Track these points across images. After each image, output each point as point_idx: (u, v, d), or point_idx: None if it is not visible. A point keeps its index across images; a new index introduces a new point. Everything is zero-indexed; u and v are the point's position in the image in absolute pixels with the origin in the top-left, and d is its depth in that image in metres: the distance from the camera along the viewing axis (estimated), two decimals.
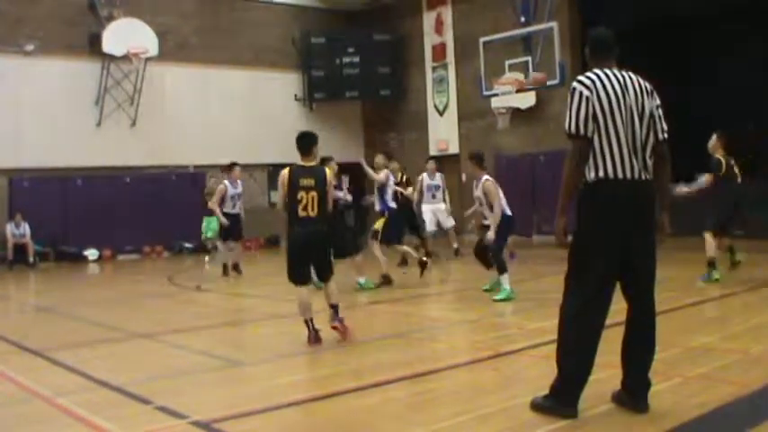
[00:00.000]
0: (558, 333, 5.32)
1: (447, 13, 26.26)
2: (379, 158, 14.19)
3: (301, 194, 8.48)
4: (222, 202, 16.23)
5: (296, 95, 27.77)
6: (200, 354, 8.51)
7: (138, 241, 23.95)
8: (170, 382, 7.16)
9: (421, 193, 17.25)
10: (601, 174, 5.17)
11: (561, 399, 5.27)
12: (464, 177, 24.78)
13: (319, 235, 8.61)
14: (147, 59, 23.46)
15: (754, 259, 14.01)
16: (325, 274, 8.77)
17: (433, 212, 17.27)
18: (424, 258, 13.71)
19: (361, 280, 13.03)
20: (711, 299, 10.51)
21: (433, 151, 26.79)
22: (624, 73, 5.34)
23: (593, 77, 5.24)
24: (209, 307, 12.40)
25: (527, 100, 22.82)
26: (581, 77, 5.29)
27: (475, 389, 6.46)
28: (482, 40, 23.80)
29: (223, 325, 10.86)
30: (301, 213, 8.49)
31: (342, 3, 28.45)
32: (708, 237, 11.70)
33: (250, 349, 8.91)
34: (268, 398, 6.28)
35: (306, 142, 8.74)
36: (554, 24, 22.02)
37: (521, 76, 22.85)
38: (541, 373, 5.93)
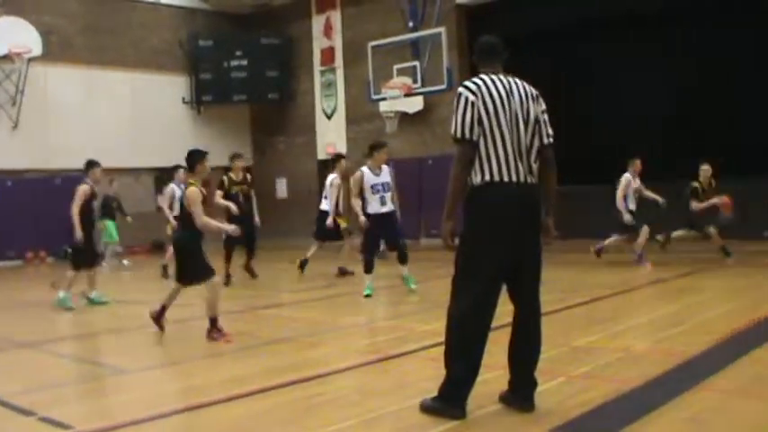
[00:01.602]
0: (445, 335, 5.37)
1: (336, 18, 26.29)
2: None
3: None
4: (171, 205, 15.90)
5: (183, 98, 27.37)
6: (84, 362, 8.33)
7: (21, 247, 23.24)
8: (53, 393, 6.98)
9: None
10: (486, 177, 5.23)
11: (449, 400, 5.32)
12: (352, 181, 24.85)
13: (174, 239, 9.31)
14: (30, 59, 22.74)
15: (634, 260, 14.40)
16: (184, 280, 9.14)
17: None
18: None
19: (92, 295, 12.70)
20: (595, 299, 10.74)
21: (321, 155, 26.81)
22: (510, 78, 5.42)
23: (479, 82, 5.31)
24: (92, 314, 12.10)
25: (415, 104, 23.02)
26: (467, 82, 5.35)
27: (364, 392, 6.46)
28: (371, 44, 23.90)
29: (107, 332, 10.62)
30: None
31: (230, 6, 28.18)
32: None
33: (134, 357, 8.68)
34: (153, 406, 6.16)
35: (187, 161, 9.27)
36: (442, 30, 22.26)
37: (409, 81, 23.04)
38: (430, 375, 5.97)
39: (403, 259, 12.06)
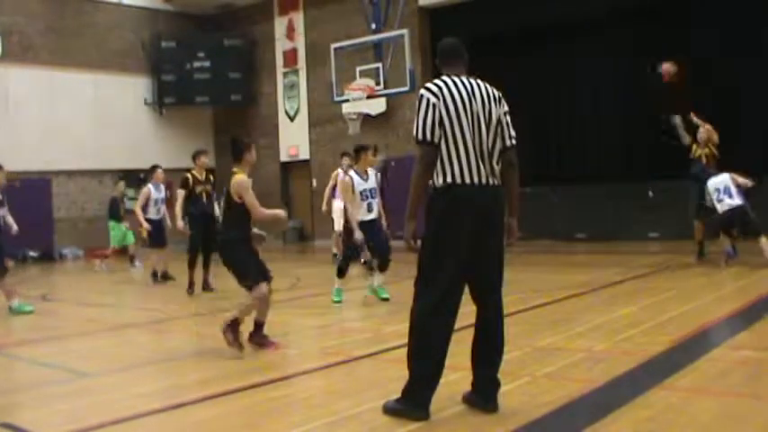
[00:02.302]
0: (408, 336, 5.37)
1: (298, 19, 26.28)
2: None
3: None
4: (146, 206, 15.62)
5: (146, 100, 27.21)
6: (45, 366, 8.22)
7: None
8: (13, 398, 6.90)
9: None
10: (448, 179, 5.24)
11: (413, 401, 5.32)
12: (315, 183, 24.88)
13: (220, 242, 8.45)
14: None
15: (596, 261, 14.52)
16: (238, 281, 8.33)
17: None
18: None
19: (13, 304, 12.20)
20: (557, 300, 10.80)
21: (283, 157, 26.79)
22: (472, 80, 5.43)
23: (441, 84, 5.32)
24: (54, 317, 12.00)
25: (378, 106, 23.08)
26: (428, 84, 5.36)
27: (327, 394, 6.46)
28: (333, 46, 23.92)
29: (69, 336, 10.48)
30: None
31: (193, 7, 28.09)
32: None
33: (96, 360, 8.56)
34: (115, 410, 6.10)
35: (233, 150, 8.78)
36: (404, 32, 22.31)
37: (371, 83, 23.07)
38: (394, 376, 5.98)
39: (383, 268, 11.48)
